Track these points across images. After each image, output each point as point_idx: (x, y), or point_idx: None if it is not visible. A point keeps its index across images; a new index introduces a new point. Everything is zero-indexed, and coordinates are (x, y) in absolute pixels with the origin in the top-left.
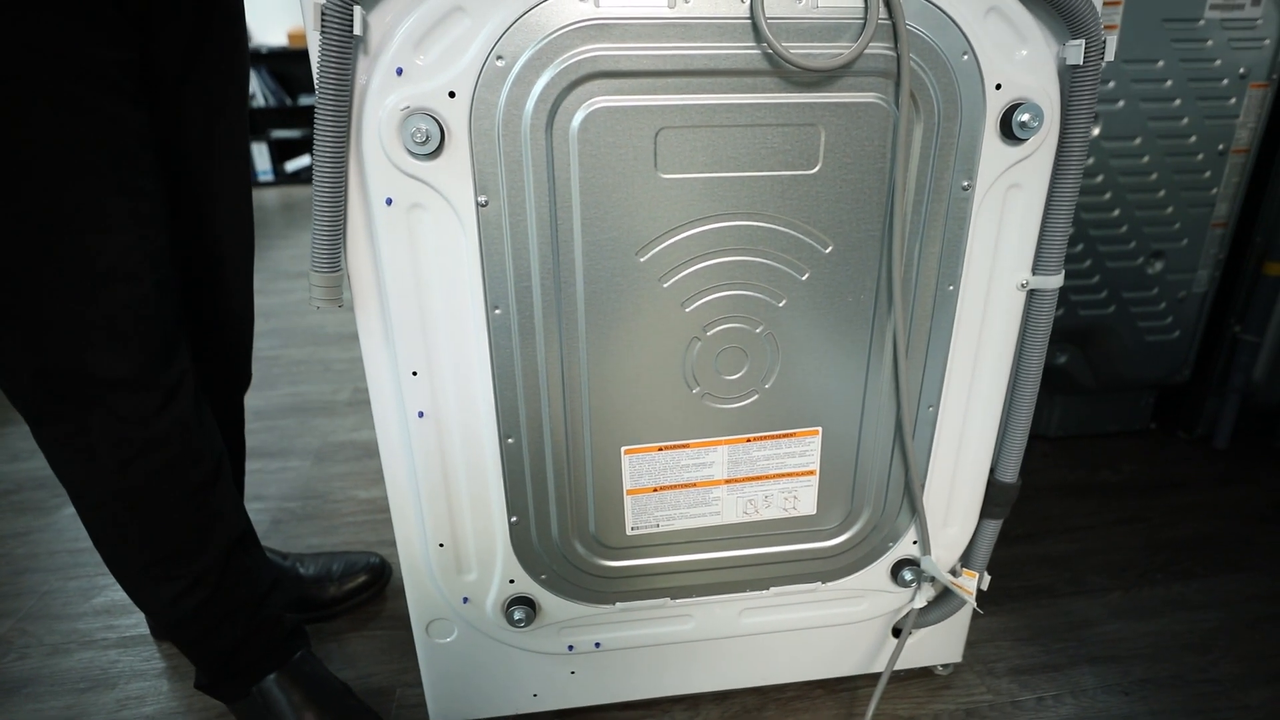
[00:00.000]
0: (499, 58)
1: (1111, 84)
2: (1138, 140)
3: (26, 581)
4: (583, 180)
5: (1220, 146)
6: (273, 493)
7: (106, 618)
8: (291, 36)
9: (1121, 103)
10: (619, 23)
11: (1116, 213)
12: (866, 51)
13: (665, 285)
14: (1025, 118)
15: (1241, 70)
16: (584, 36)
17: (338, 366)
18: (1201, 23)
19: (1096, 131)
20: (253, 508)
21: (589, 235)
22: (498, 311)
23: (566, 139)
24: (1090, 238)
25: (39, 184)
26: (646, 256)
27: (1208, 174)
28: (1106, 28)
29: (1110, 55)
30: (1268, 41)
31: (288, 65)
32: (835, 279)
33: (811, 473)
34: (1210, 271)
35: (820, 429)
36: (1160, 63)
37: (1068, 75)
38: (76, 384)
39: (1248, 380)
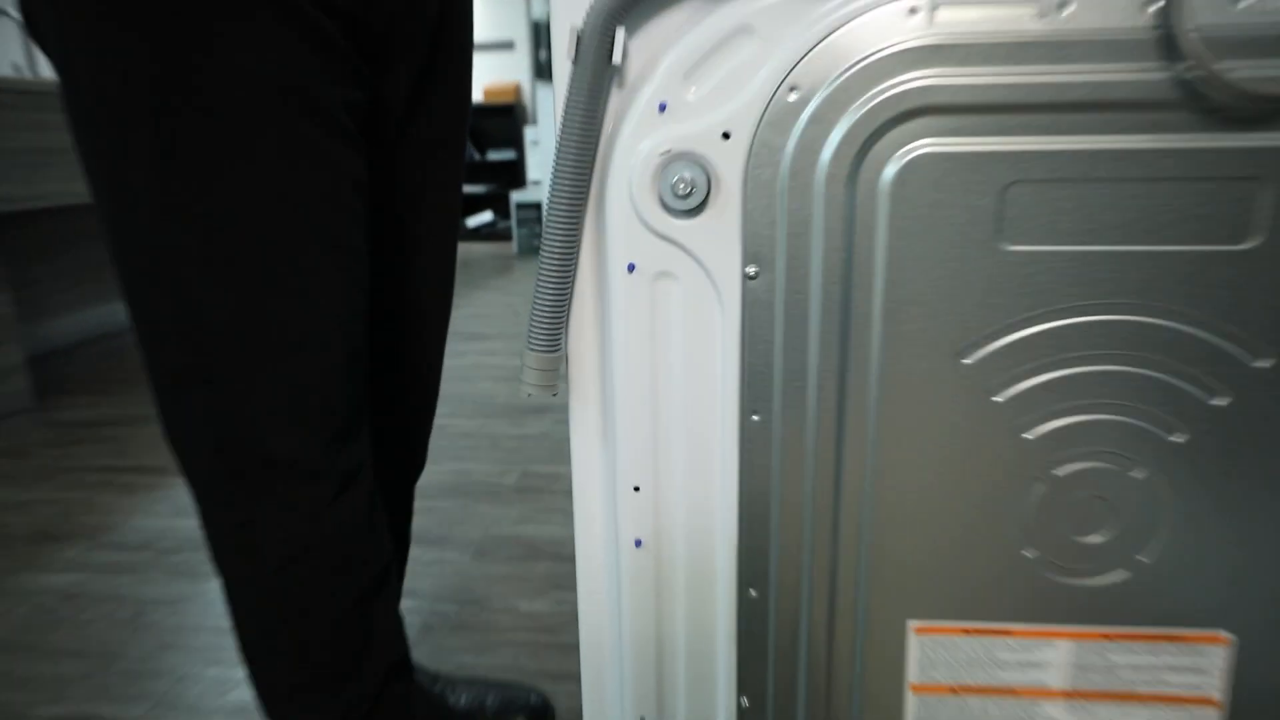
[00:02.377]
0: (792, 89)
1: None
2: None
3: (168, 661)
4: (891, 250)
5: None
6: (426, 589)
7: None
8: (488, 92)
9: None
10: (962, 43)
11: None
12: None
13: (998, 400)
14: None
15: None
16: (910, 61)
17: (507, 443)
18: None
19: None
20: (404, 605)
21: (893, 324)
22: (756, 418)
23: (874, 195)
24: None
25: (249, 233)
26: (974, 358)
27: None
28: None
29: None
30: None
31: (479, 119)
32: (1272, 408)
33: (1211, 703)
34: None
35: (1231, 636)
36: None
37: None
38: (254, 465)
39: None
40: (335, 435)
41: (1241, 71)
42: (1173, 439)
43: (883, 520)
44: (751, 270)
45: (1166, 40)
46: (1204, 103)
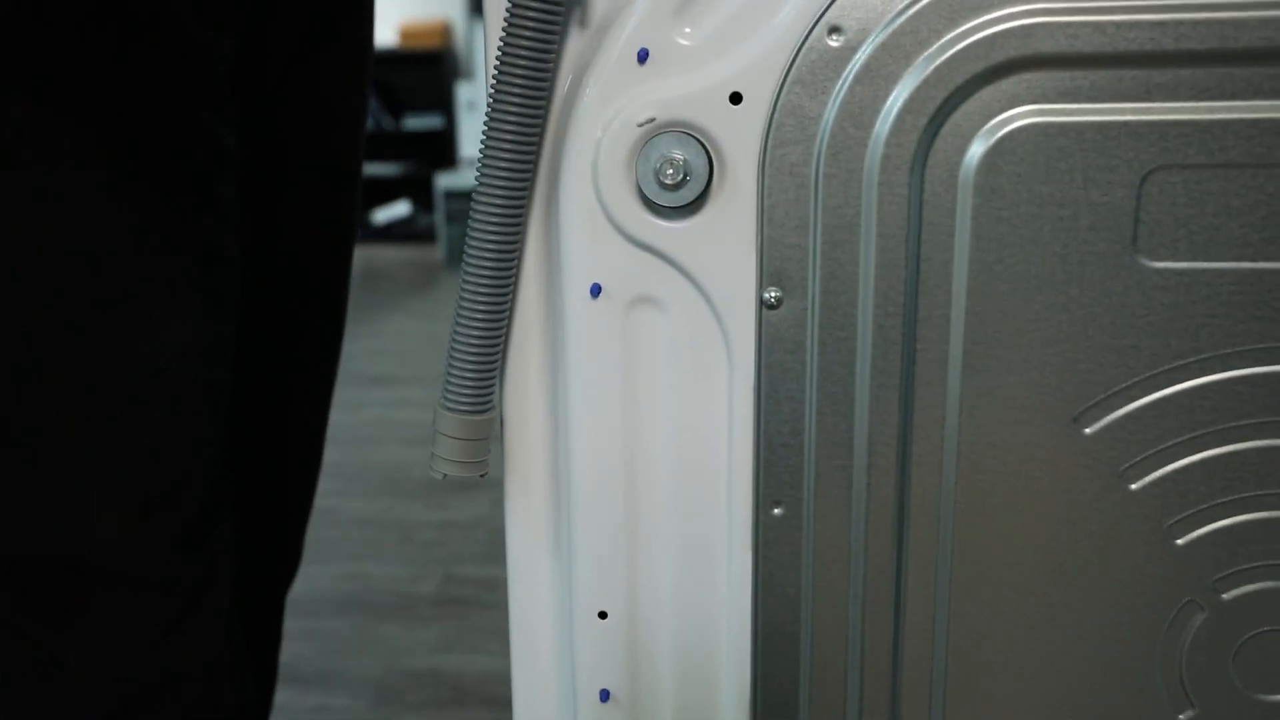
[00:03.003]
0: (833, 30)
1: None
2: None
3: None
4: (976, 265)
5: None
6: None
7: None
8: (405, 34)
9: None
10: None
11: None
12: None
13: (1134, 488)
14: None
15: None
16: None
17: (423, 535)
18: None
19: None
20: None
21: (979, 376)
22: (779, 511)
23: (952, 186)
24: None
25: (67, 248)
26: (1098, 426)
27: None
28: None
29: None
30: None
31: (392, 72)
32: None
33: None
34: None
35: None
36: None
37: None
38: (59, 578)
39: None
40: (184, 531)
41: None
42: None
43: (963, 665)
44: (772, 295)
45: None
46: None
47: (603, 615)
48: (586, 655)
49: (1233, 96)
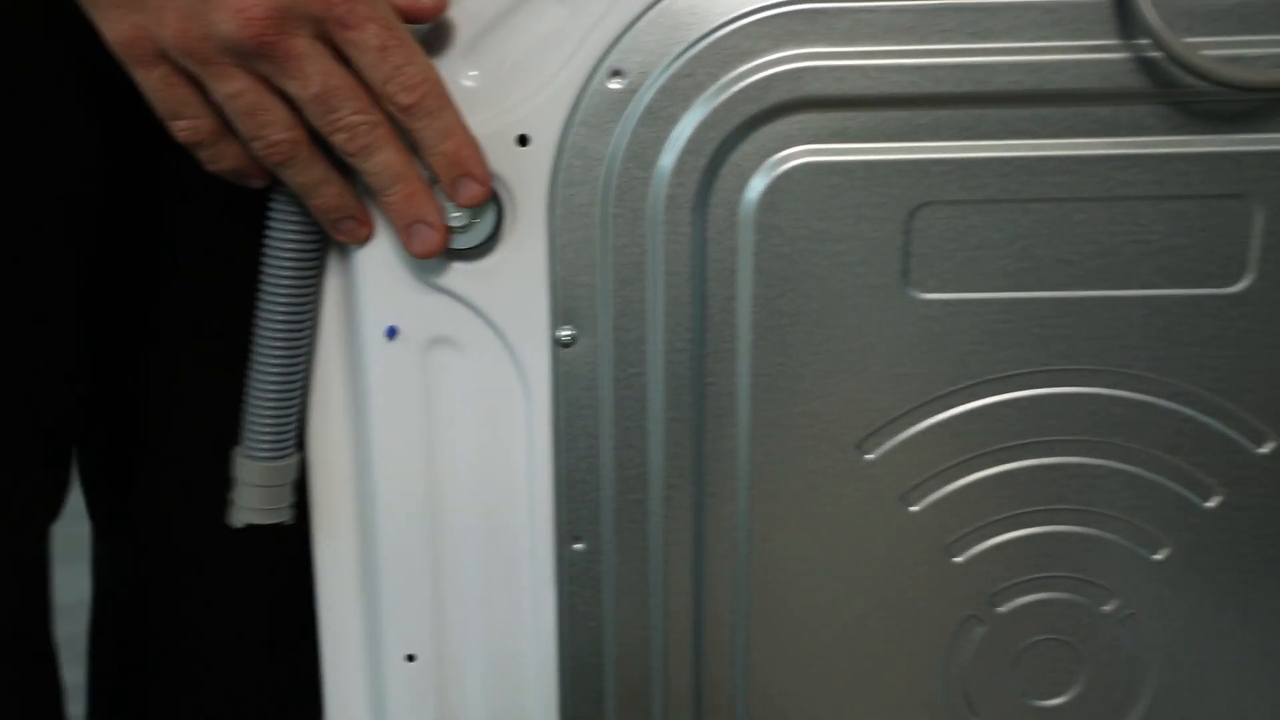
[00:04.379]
0: (615, 74)
1: None
2: None
3: None
4: (759, 300)
5: None
6: None
7: None
8: None
9: None
10: (851, 6)
11: None
12: None
13: (914, 510)
14: None
15: None
16: (777, 35)
17: None
18: None
19: None
20: None
21: (766, 407)
22: (579, 546)
23: (733, 224)
24: None
25: None
26: (879, 452)
27: None
28: None
29: None
30: None
31: None
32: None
33: None
34: None
35: None
36: None
37: None
38: None
39: None
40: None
41: (1213, 50)
42: (1153, 559)
43: (763, 683)
44: (565, 334)
45: (1122, 7)
46: (1174, 93)
47: (411, 658)
48: (397, 698)
49: (988, 136)
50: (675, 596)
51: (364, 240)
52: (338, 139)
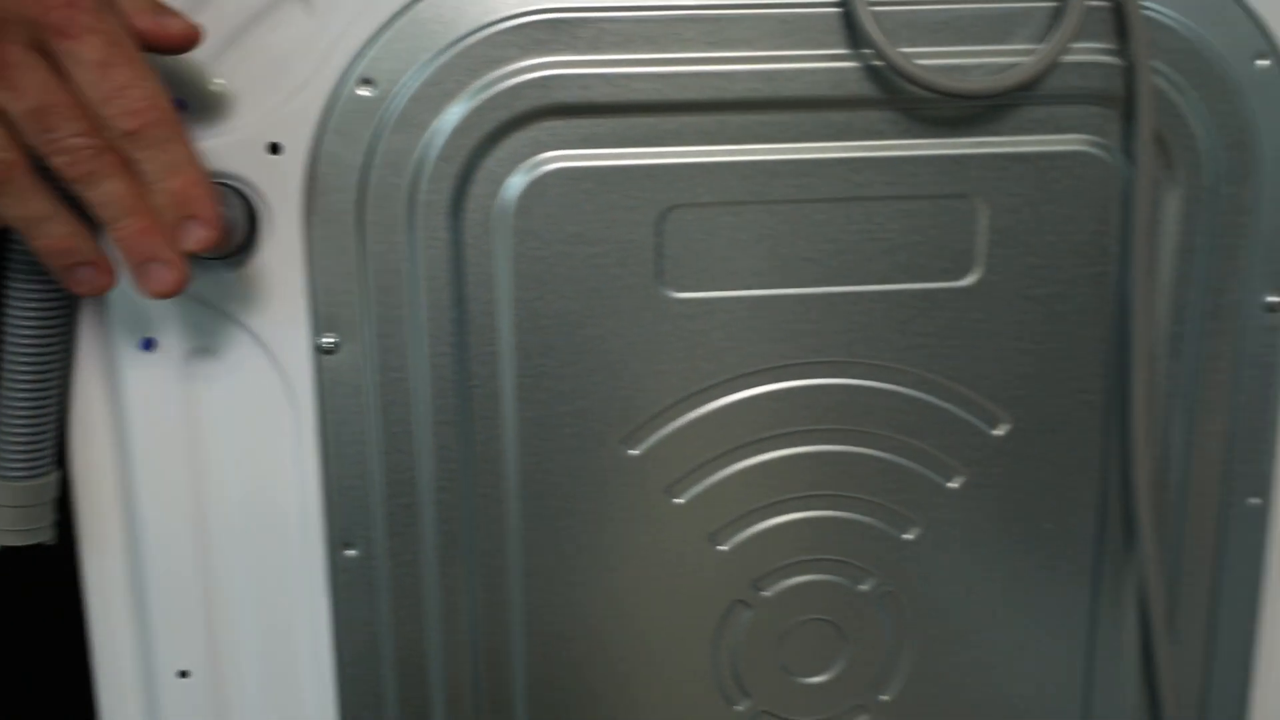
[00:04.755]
0: (365, 82)
1: None
2: None
3: None
4: (521, 304)
5: None
6: None
7: None
8: None
9: None
10: (594, 16)
11: None
12: (1066, 60)
13: (679, 501)
14: None
15: None
16: (524, 43)
17: None
18: None
19: None
20: None
21: (532, 407)
22: (351, 553)
23: (489, 229)
24: None
25: None
26: (643, 447)
27: None
28: None
29: None
30: None
31: None
32: (1018, 486)
33: None
34: None
35: None
36: None
37: None
38: None
39: None
40: None
41: (932, 60)
42: (905, 539)
43: (542, 680)
44: (328, 341)
45: (848, 19)
46: (901, 100)
47: (184, 674)
48: (172, 716)
49: (730, 141)
50: (451, 598)
51: (103, 290)
52: (58, 162)
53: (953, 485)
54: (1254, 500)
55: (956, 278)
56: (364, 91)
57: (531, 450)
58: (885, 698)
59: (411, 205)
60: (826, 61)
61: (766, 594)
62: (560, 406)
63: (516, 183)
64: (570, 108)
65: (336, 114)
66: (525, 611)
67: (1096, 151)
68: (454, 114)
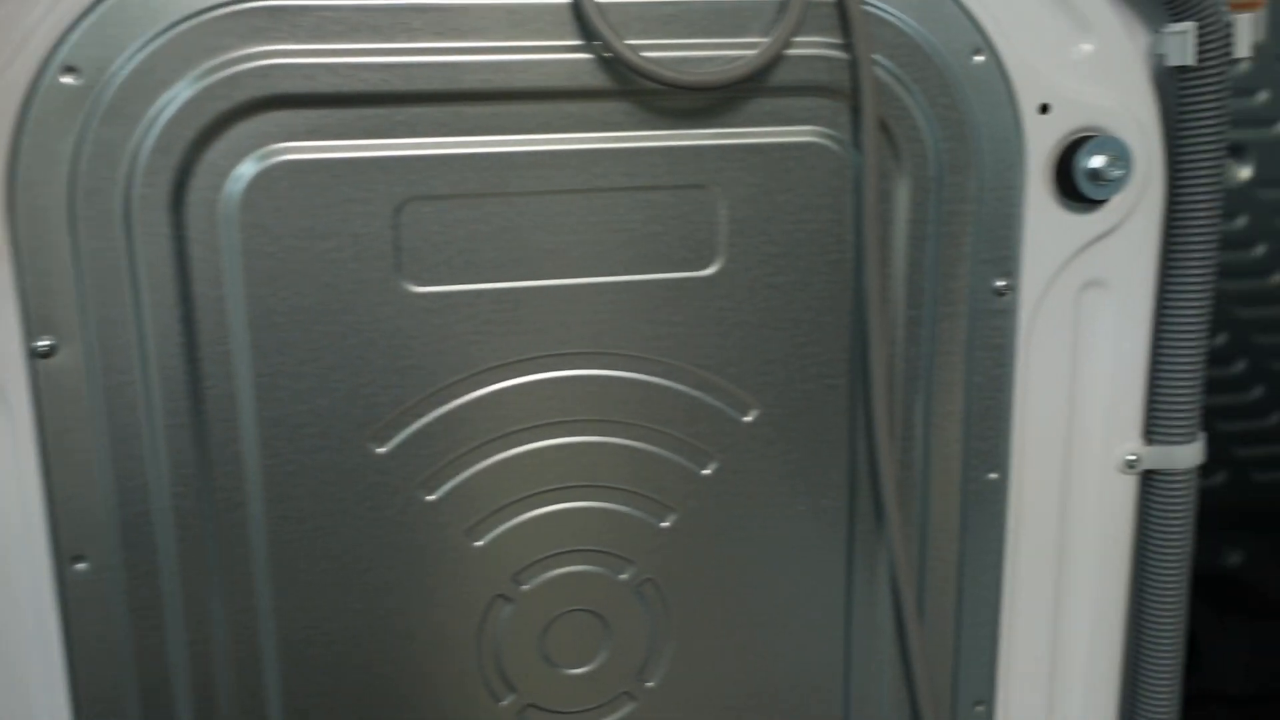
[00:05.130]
0: (69, 69)
1: (1263, 96)
2: None
3: None
4: (252, 300)
5: None
6: None
7: None
8: None
9: None
10: (316, 4)
11: None
12: (792, 53)
13: (431, 499)
14: (1099, 162)
15: None
16: (242, 30)
17: None
18: None
19: (1247, 174)
20: None
21: (271, 407)
22: (82, 566)
23: (214, 223)
24: (1257, 349)
25: None
26: (391, 444)
27: None
28: (1244, 4)
29: (1245, 47)
30: None
31: None
32: (769, 470)
33: None
34: None
35: None
36: None
37: (1173, 84)
38: None
39: None
40: None
41: (662, 53)
42: (662, 526)
43: (300, 685)
44: (43, 344)
45: (576, 11)
46: (636, 91)
47: None
48: None
49: (466, 132)
50: (195, 609)
51: None
52: None
53: (706, 472)
54: (992, 475)
55: (699, 267)
56: (68, 80)
57: (273, 452)
58: (651, 684)
59: (127, 200)
60: (558, 53)
61: (526, 588)
62: (301, 405)
63: (242, 176)
64: (295, 98)
65: (37, 104)
66: (276, 618)
67: (827, 143)
68: (169, 104)
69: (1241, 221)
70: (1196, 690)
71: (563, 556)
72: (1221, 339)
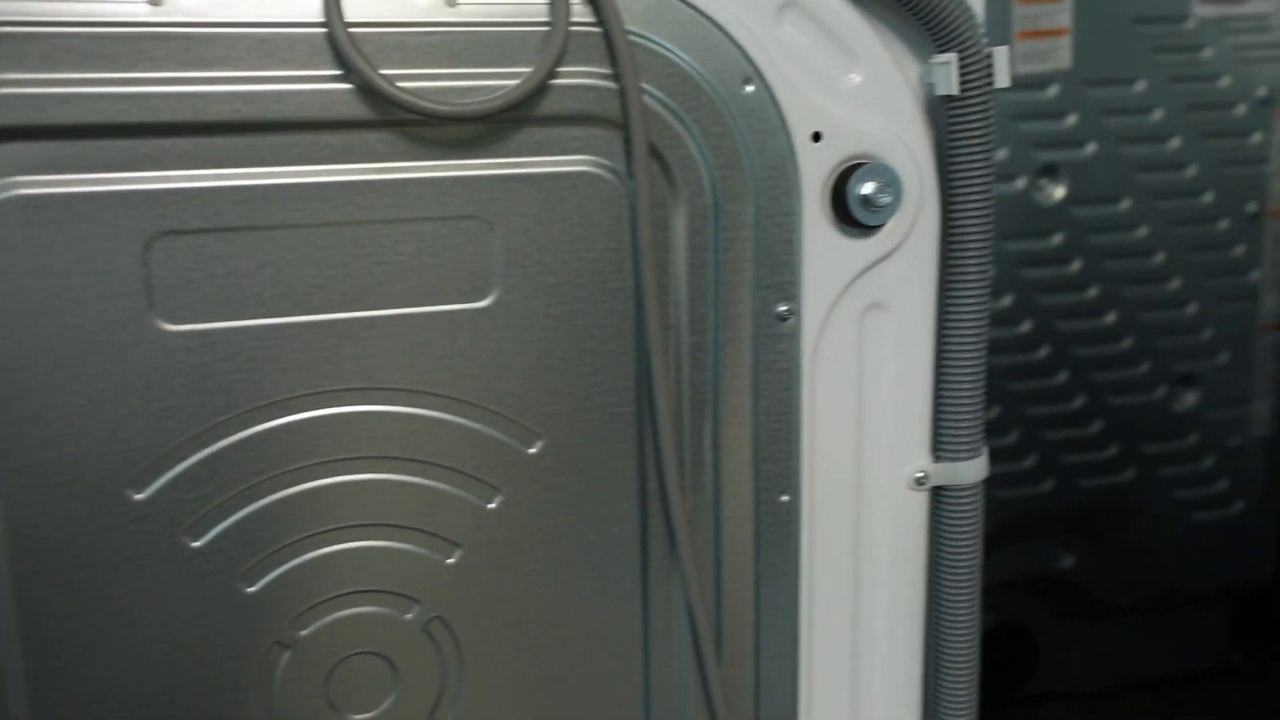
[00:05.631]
0: None
1: (1073, 119)
2: (1125, 204)
3: None
4: None
5: (1251, 207)
6: None
7: None
8: None
9: (1093, 146)
10: (45, 31)
11: (1112, 318)
12: (559, 83)
13: (197, 545)
14: (870, 188)
15: (1261, 91)
16: None
17: None
18: (1190, 24)
19: (1061, 194)
20: None
21: (13, 457)
22: None
23: None
24: (1077, 360)
25: None
26: (150, 490)
27: (1240, 249)
28: (1052, 32)
29: (1005, 78)
30: None
31: None
32: (558, 501)
33: None
34: (1272, 401)
35: None
36: (1141, 84)
37: (942, 112)
38: None
39: None
40: None
41: (423, 83)
42: (447, 563)
43: None
44: None
45: (330, 40)
46: (401, 122)
47: None
48: None
49: (218, 164)
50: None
51: None
52: None
53: (492, 506)
54: (784, 497)
55: (475, 299)
56: None
57: (18, 503)
58: None
59: None
60: (313, 83)
61: (305, 633)
62: (48, 453)
63: None
64: (24, 130)
65: None
66: (28, 680)
67: (602, 172)
68: None
69: (1058, 239)
70: (1037, 690)
71: (344, 598)
72: (1044, 352)
